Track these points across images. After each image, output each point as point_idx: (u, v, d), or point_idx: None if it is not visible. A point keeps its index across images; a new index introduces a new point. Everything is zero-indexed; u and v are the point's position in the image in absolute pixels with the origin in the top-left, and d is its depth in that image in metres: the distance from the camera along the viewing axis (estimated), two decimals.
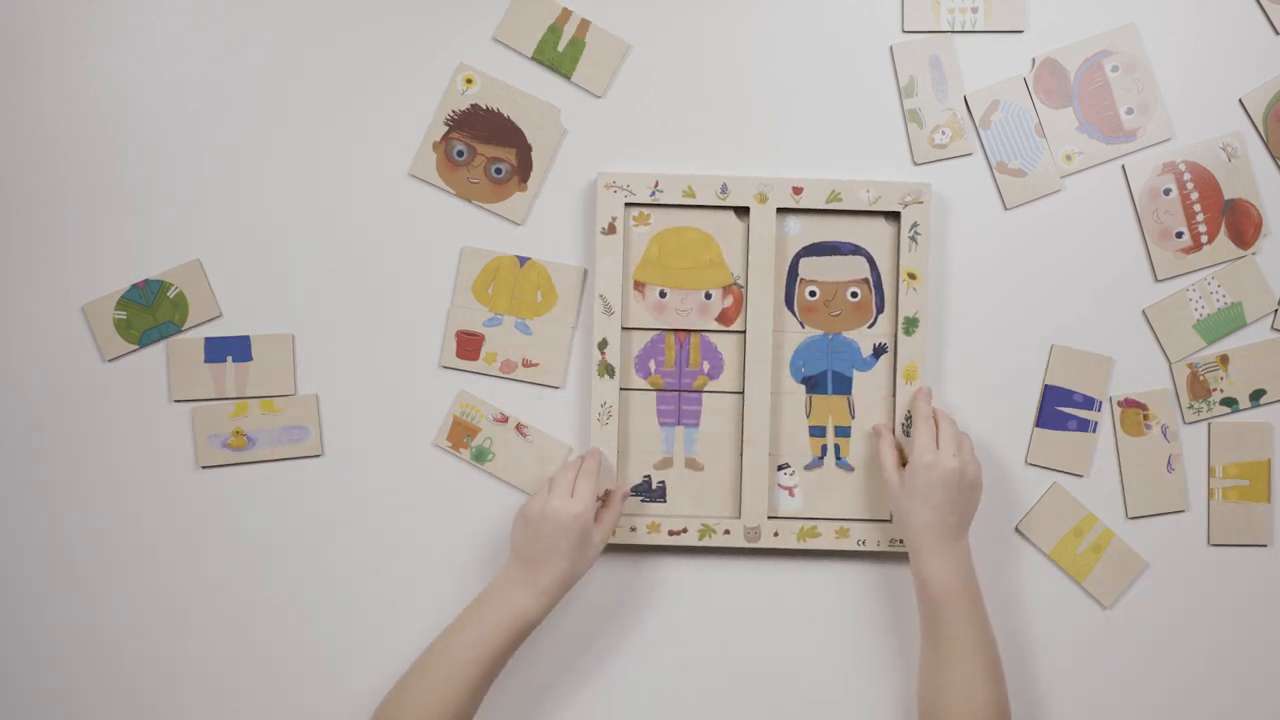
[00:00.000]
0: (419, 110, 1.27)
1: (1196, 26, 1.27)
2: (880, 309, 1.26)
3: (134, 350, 1.26)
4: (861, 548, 1.25)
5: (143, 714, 1.27)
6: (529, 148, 1.27)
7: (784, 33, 1.27)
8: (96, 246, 1.26)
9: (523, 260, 1.26)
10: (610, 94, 1.27)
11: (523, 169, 1.27)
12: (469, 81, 1.26)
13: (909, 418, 1.24)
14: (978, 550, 1.26)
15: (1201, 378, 1.27)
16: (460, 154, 1.27)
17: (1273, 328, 1.27)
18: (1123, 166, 1.26)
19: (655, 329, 1.26)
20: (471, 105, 1.26)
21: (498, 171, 1.27)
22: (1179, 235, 1.27)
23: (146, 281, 1.26)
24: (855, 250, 1.26)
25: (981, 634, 1.15)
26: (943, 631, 1.15)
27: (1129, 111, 1.27)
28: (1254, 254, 1.27)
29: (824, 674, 1.27)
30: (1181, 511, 1.27)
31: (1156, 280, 1.27)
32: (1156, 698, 1.27)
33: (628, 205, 1.25)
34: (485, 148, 1.27)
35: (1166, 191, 1.26)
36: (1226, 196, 1.27)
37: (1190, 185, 1.26)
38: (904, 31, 1.27)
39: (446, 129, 1.27)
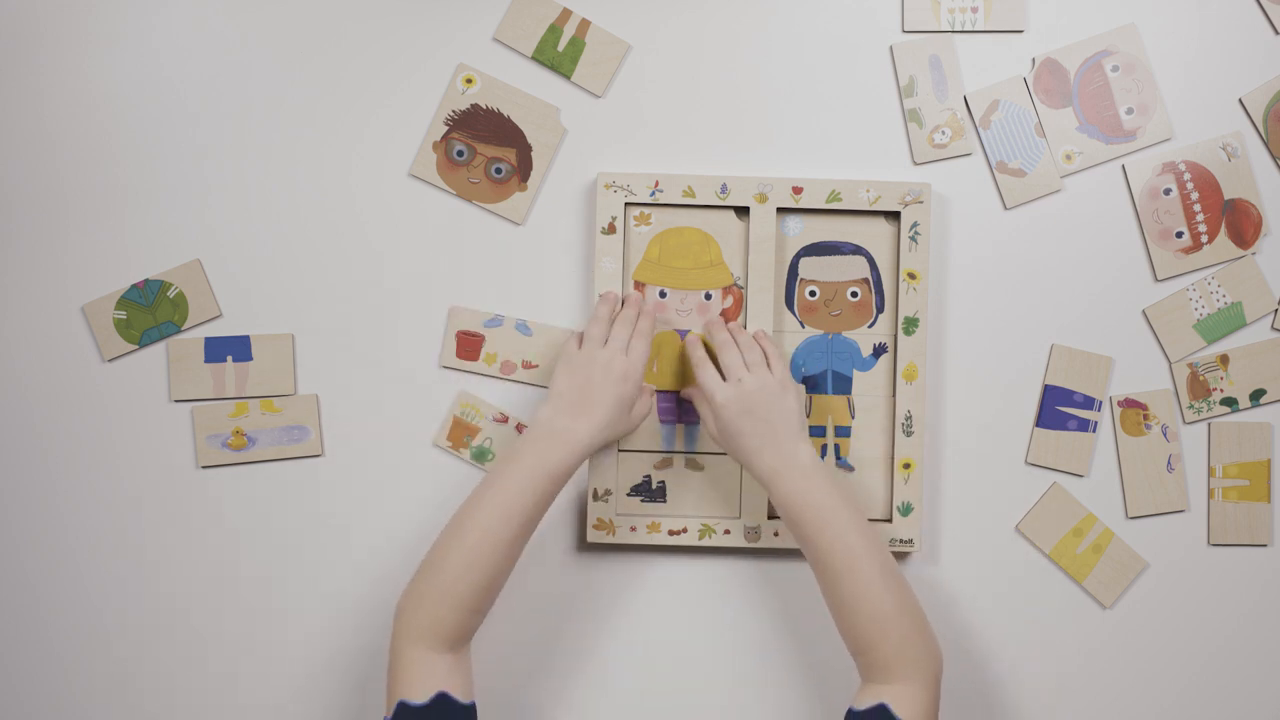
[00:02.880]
0: (419, 110, 1.27)
1: (1196, 26, 1.27)
2: (880, 309, 1.26)
3: (134, 350, 1.26)
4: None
5: (143, 714, 1.27)
6: (529, 148, 1.27)
7: (783, 33, 1.27)
8: (96, 246, 1.26)
9: (683, 334, 1.26)
10: (610, 94, 1.27)
11: (523, 169, 1.27)
12: (469, 81, 1.26)
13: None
14: (977, 550, 1.27)
15: (1201, 378, 1.27)
16: (460, 154, 1.27)
17: (1273, 327, 1.27)
18: (1123, 166, 1.26)
19: (656, 329, 1.26)
20: (471, 105, 1.26)
21: (498, 171, 1.27)
22: (1179, 235, 1.27)
23: (146, 281, 1.26)
24: (855, 250, 1.26)
25: (862, 535, 1.11)
26: (820, 544, 1.11)
27: (1129, 111, 1.27)
28: (1254, 254, 1.27)
29: (824, 673, 1.27)
30: (1181, 511, 1.27)
31: (1156, 280, 1.27)
32: (1156, 698, 1.27)
33: (628, 205, 1.25)
34: (485, 148, 1.27)
35: (1166, 191, 1.26)
36: (1226, 196, 1.27)
37: (1190, 185, 1.26)
38: (904, 31, 1.27)
39: (446, 129, 1.27)
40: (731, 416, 1.15)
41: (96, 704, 1.27)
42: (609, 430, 1.17)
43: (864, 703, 1.08)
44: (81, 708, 1.27)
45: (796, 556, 1.27)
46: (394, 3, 1.27)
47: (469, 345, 1.27)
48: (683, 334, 1.26)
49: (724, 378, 1.18)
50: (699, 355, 1.20)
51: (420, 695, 1.08)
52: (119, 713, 1.27)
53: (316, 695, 1.27)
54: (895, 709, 1.06)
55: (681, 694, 1.27)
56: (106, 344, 1.26)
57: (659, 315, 1.26)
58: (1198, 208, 1.26)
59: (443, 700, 1.08)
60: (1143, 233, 1.27)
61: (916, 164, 1.27)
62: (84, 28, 1.26)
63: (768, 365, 1.18)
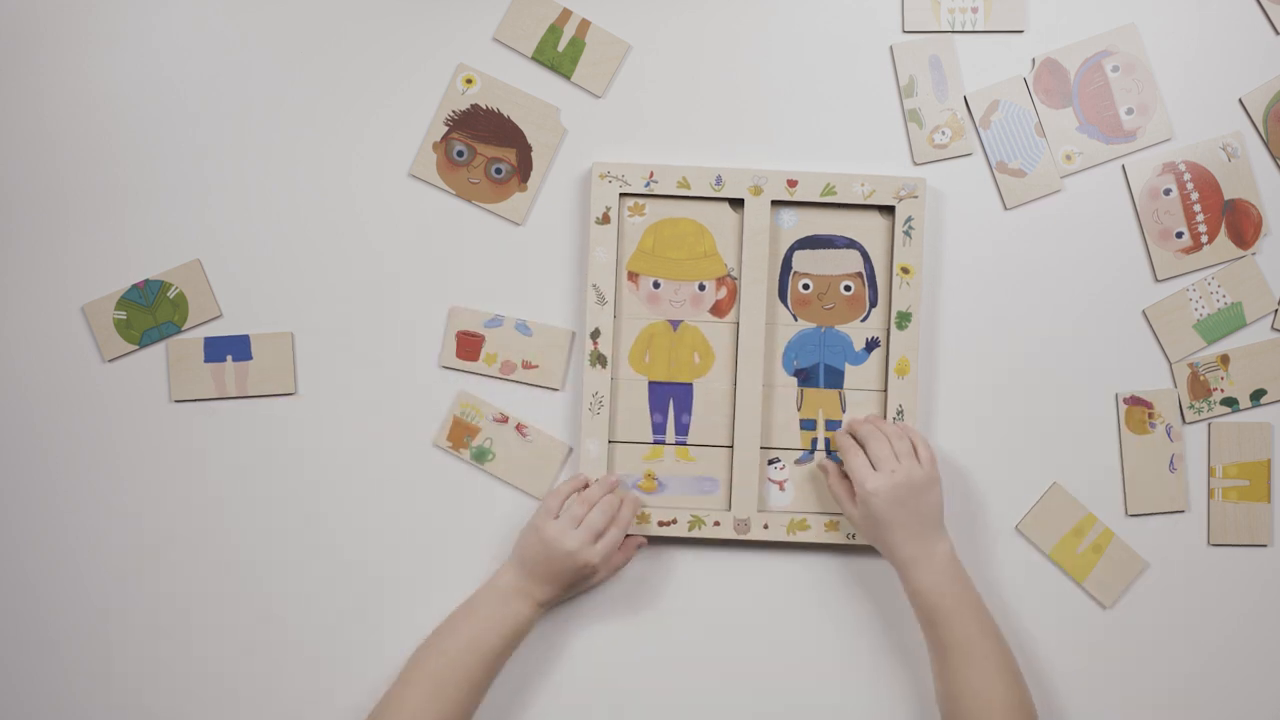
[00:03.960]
0: (419, 110, 1.27)
1: (1196, 26, 1.27)
2: (874, 303, 1.26)
3: (134, 350, 1.26)
4: (851, 541, 1.25)
5: (143, 713, 1.27)
6: (529, 148, 1.27)
7: (783, 33, 1.27)
8: (96, 246, 1.26)
9: (675, 324, 1.26)
10: (610, 94, 1.27)
11: (523, 169, 1.27)
12: (469, 81, 1.27)
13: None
14: (978, 550, 1.27)
15: (1202, 378, 1.27)
16: (460, 154, 1.27)
17: (1273, 328, 1.27)
18: (1123, 166, 1.26)
19: (648, 319, 1.26)
20: (471, 105, 1.27)
21: (498, 171, 1.27)
22: (1179, 235, 1.27)
23: (146, 282, 1.26)
24: (849, 244, 1.26)
25: (986, 631, 1.15)
26: (946, 637, 1.15)
27: (1129, 111, 1.27)
28: (1254, 254, 1.27)
29: (812, 666, 1.27)
30: (1181, 511, 1.27)
31: (1157, 280, 1.27)
32: (1156, 698, 1.27)
33: (622, 195, 1.25)
34: (485, 148, 1.27)
35: (1167, 192, 1.26)
36: (1226, 196, 1.27)
37: (1190, 185, 1.26)
38: (904, 31, 1.27)
39: (446, 129, 1.27)
40: (881, 506, 1.16)
41: (97, 703, 1.27)
42: (572, 591, 1.23)
43: None
44: (82, 707, 1.27)
45: (785, 549, 1.27)
46: (394, 3, 1.27)
47: (469, 345, 1.27)
48: (675, 324, 1.26)
49: (874, 467, 1.19)
50: (848, 443, 1.21)
51: None
52: (119, 712, 1.27)
53: (316, 695, 1.27)
54: None
55: (668, 684, 1.27)
56: (107, 344, 1.26)
57: (653, 306, 1.26)
58: (1198, 208, 1.26)
59: None
60: (1143, 232, 1.27)
61: (917, 164, 1.27)
62: (84, 28, 1.26)
63: (915, 455, 1.19)
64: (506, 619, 1.18)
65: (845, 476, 1.23)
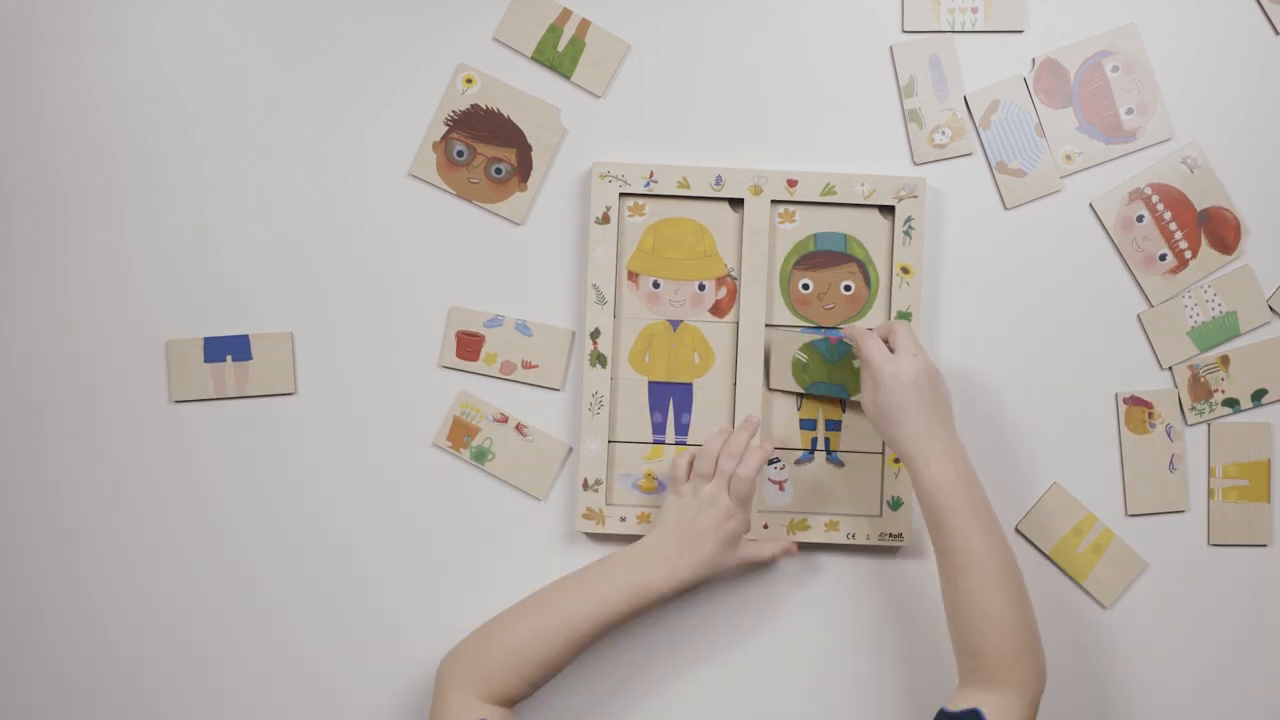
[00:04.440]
0: (419, 110, 1.27)
1: (1196, 26, 1.27)
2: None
3: (134, 351, 1.27)
4: (851, 541, 1.25)
5: (143, 713, 1.27)
6: (529, 147, 1.27)
7: (783, 33, 1.27)
8: (96, 246, 1.26)
9: (675, 324, 1.26)
10: (610, 94, 1.27)
11: (523, 169, 1.27)
12: (469, 81, 1.27)
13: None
14: None
15: (1203, 379, 1.27)
16: (460, 154, 1.27)
17: (1271, 308, 1.27)
18: (1090, 205, 1.26)
19: (648, 319, 1.26)
20: (471, 105, 1.27)
21: (498, 171, 1.27)
22: (1163, 258, 1.27)
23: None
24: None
25: (993, 543, 1.11)
26: (951, 543, 1.11)
27: (1129, 112, 1.27)
28: (1244, 261, 1.27)
29: (812, 665, 1.27)
30: (1181, 511, 1.27)
31: (1151, 306, 1.27)
32: (1156, 698, 1.27)
33: (622, 195, 1.25)
34: (485, 148, 1.27)
35: (1139, 219, 1.26)
36: (1199, 208, 1.27)
37: (1161, 207, 1.26)
38: (904, 31, 1.27)
39: (446, 129, 1.27)
40: (899, 388, 1.13)
41: (97, 703, 1.27)
42: (710, 566, 1.18)
43: (959, 705, 1.09)
44: (81, 707, 1.27)
45: None
46: (394, 3, 1.27)
47: (469, 345, 1.27)
48: (675, 324, 1.26)
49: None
50: (863, 330, 1.19)
51: None
52: (119, 712, 1.27)
53: (316, 694, 1.27)
54: (990, 716, 1.07)
55: (668, 684, 1.27)
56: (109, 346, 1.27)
57: (653, 306, 1.26)
58: (1174, 226, 1.26)
59: None
60: (1127, 265, 1.27)
61: (916, 164, 1.27)
62: (84, 28, 1.26)
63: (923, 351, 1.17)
64: (638, 584, 1.16)
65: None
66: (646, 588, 1.17)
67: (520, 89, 1.26)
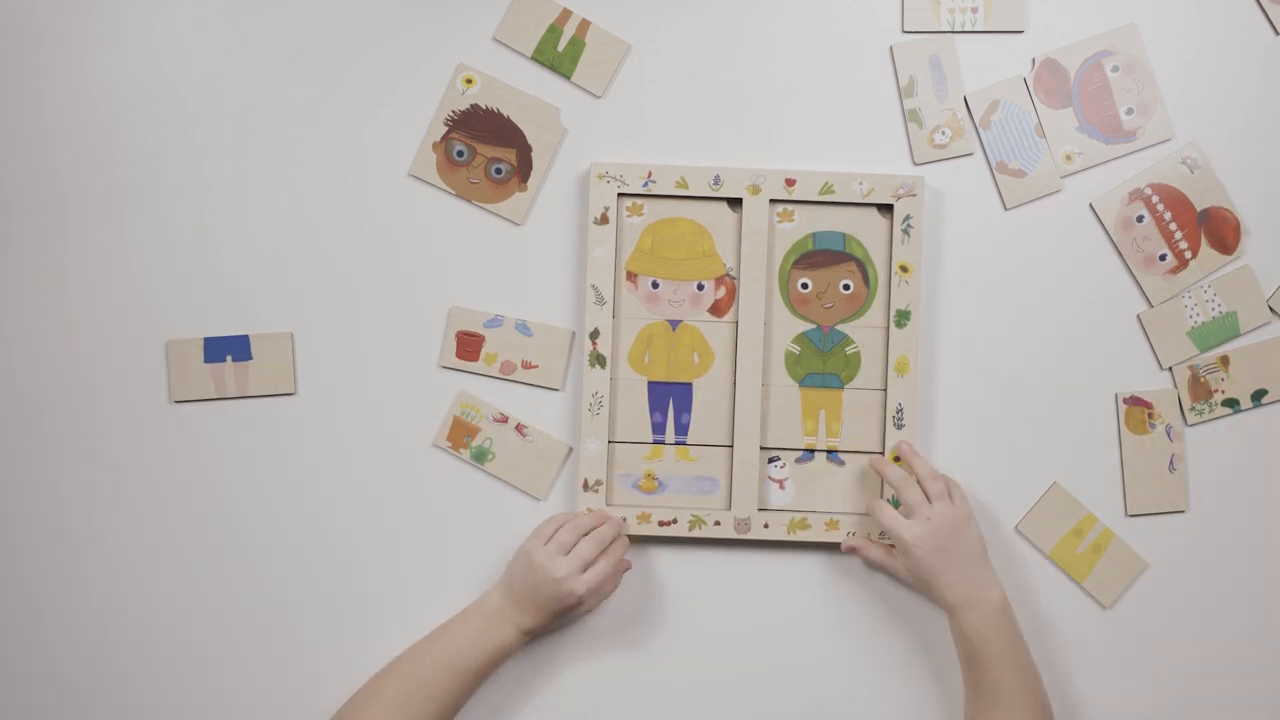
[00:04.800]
0: (419, 110, 1.27)
1: (1196, 26, 1.27)
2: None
3: (134, 351, 1.27)
4: (852, 540, 1.25)
5: (143, 713, 1.27)
6: (529, 148, 1.27)
7: (783, 33, 1.27)
8: (96, 246, 1.26)
9: (674, 324, 1.26)
10: (610, 94, 1.27)
11: (523, 169, 1.27)
12: (469, 81, 1.27)
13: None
14: None
15: (1203, 379, 1.27)
16: (460, 154, 1.27)
17: (1271, 308, 1.27)
18: (1090, 205, 1.26)
19: (647, 319, 1.26)
20: (471, 105, 1.27)
21: (498, 172, 1.27)
22: (1163, 258, 1.27)
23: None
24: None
25: (1027, 681, 1.15)
26: (984, 679, 1.15)
27: (1129, 112, 1.27)
28: (1239, 257, 1.27)
29: (813, 665, 1.27)
30: (1181, 511, 1.27)
31: (1151, 307, 1.27)
32: (1156, 698, 1.27)
33: (620, 196, 1.25)
34: (485, 148, 1.27)
35: (1139, 219, 1.26)
36: (1199, 208, 1.27)
37: (1161, 207, 1.26)
38: (904, 32, 1.27)
39: (446, 129, 1.27)
40: (924, 554, 1.16)
41: (97, 703, 1.27)
42: (557, 621, 1.21)
43: None
44: (82, 707, 1.27)
45: (786, 548, 1.27)
46: (394, 3, 1.27)
47: (469, 345, 1.27)
48: (674, 324, 1.26)
49: (907, 515, 1.19)
50: (878, 502, 1.21)
51: None
52: (119, 712, 1.27)
53: (316, 694, 1.27)
54: None
55: (668, 683, 1.27)
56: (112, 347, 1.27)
57: (652, 306, 1.26)
58: (1174, 226, 1.26)
59: None
60: (1127, 265, 1.27)
61: (916, 164, 1.27)
62: (84, 28, 1.26)
63: (949, 496, 1.19)
64: (488, 641, 1.18)
65: (879, 536, 1.24)
66: (500, 647, 1.19)
67: (520, 89, 1.26)
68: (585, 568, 1.18)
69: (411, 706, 1.15)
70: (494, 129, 1.27)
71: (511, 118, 1.27)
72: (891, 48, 1.27)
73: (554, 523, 1.21)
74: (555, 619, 1.20)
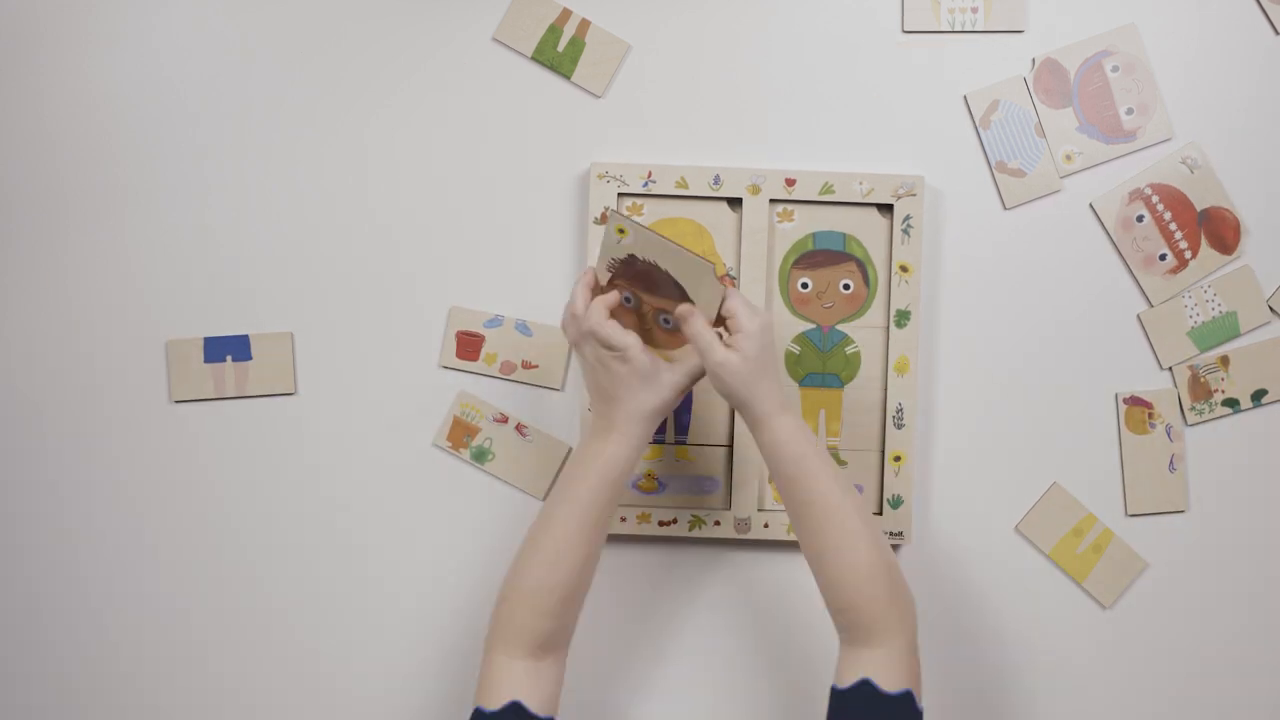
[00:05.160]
0: (419, 110, 1.27)
1: (1196, 26, 1.27)
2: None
3: (134, 351, 1.27)
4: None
5: (143, 713, 1.27)
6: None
7: (783, 33, 1.27)
8: (96, 246, 1.26)
9: None
10: (610, 94, 1.27)
11: None
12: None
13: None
14: (971, 545, 1.27)
15: (1203, 379, 1.27)
16: (627, 299, 1.23)
17: (1271, 308, 1.27)
18: (1090, 205, 1.26)
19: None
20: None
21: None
22: (1163, 258, 1.27)
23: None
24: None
25: (844, 485, 1.09)
26: (810, 493, 1.08)
27: (1129, 112, 1.27)
28: (1239, 257, 1.27)
29: (812, 665, 1.27)
30: (1181, 511, 1.27)
31: (1151, 306, 1.27)
32: (1156, 697, 1.27)
33: (620, 195, 1.26)
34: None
35: (1139, 219, 1.26)
36: (1199, 208, 1.27)
37: (1161, 207, 1.26)
38: (904, 31, 1.27)
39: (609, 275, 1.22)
40: (733, 370, 1.07)
41: (97, 704, 1.27)
42: (647, 412, 1.11)
43: (847, 679, 1.06)
44: (82, 707, 1.27)
45: (786, 548, 1.27)
46: (393, 3, 1.27)
47: (469, 345, 1.27)
48: None
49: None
50: (686, 312, 1.11)
51: (495, 702, 1.07)
52: (119, 712, 1.27)
53: (317, 694, 1.27)
54: (879, 681, 1.04)
55: (666, 682, 1.27)
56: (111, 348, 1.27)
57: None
58: (1174, 226, 1.26)
59: (515, 709, 1.06)
60: (1127, 265, 1.27)
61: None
62: (84, 28, 1.26)
63: (750, 311, 1.10)
64: (599, 464, 1.09)
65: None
66: (613, 466, 1.10)
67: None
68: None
69: (561, 564, 1.09)
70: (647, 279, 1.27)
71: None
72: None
73: (571, 332, 1.13)
74: (641, 393, 1.10)
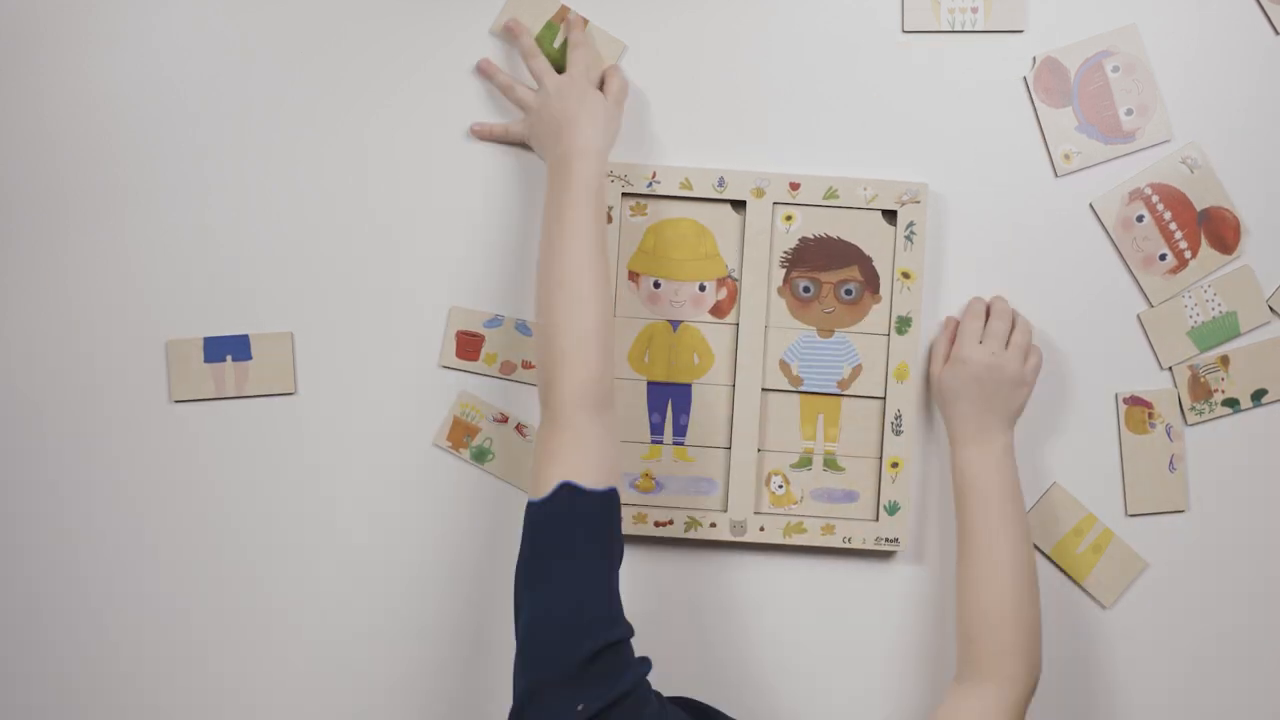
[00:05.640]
0: (419, 110, 1.27)
1: (1196, 26, 1.27)
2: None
3: (134, 351, 1.27)
4: (847, 545, 1.25)
5: (143, 713, 1.27)
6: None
7: (783, 33, 1.27)
8: (96, 246, 1.26)
9: (675, 325, 1.26)
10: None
11: None
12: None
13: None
14: None
15: (1203, 379, 1.27)
16: None
17: (1271, 308, 1.27)
18: (1090, 205, 1.26)
19: (648, 319, 1.26)
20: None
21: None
22: (1163, 258, 1.27)
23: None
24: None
25: (1011, 530, 1.15)
26: (968, 524, 1.16)
27: (1129, 112, 1.27)
28: (1239, 257, 1.27)
29: (808, 669, 1.27)
30: (1181, 511, 1.27)
31: (1151, 307, 1.27)
32: (1156, 698, 1.27)
33: (624, 195, 1.25)
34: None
35: (1139, 219, 1.26)
36: (1199, 208, 1.27)
37: (1161, 207, 1.26)
38: (904, 32, 1.27)
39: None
40: (963, 377, 1.20)
41: (97, 704, 1.27)
42: (595, 119, 1.17)
43: (947, 701, 1.12)
44: (82, 707, 1.27)
45: (782, 552, 1.27)
46: (392, 2, 1.27)
47: (469, 345, 1.27)
48: (675, 325, 1.26)
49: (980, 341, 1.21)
50: (972, 310, 1.23)
51: (543, 489, 1.01)
52: (120, 712, 1.27)
53: (316, 695, 1.27)
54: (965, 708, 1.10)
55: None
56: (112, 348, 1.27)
57: (653, 306, 1.26)
58: (1174, 226, 1.26)
59: (567, 492, 1.00)
60: (1127, 265, 1.27)
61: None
62: (84, 28, 1.26)
63: (1025, 356, 1.21)
64: (576, 185, 1.13)
65: (949, 341, 1.24)
66: (594, 179, 1.14)
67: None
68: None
69: (582, 291, 1.09)
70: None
71: None
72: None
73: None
74: (587, 115, 1.17)
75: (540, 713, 0.95)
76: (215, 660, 1.27)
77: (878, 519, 1.25)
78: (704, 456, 1.27)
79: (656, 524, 1.25)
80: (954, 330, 1.25)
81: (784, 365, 1.26)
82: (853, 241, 1.26)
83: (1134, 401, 1.27)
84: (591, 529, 1.01)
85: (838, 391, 1.26)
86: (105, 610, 1.27)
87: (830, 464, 1.26)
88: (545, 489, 1.01)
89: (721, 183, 1.25)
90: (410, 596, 1.27)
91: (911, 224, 1.25)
